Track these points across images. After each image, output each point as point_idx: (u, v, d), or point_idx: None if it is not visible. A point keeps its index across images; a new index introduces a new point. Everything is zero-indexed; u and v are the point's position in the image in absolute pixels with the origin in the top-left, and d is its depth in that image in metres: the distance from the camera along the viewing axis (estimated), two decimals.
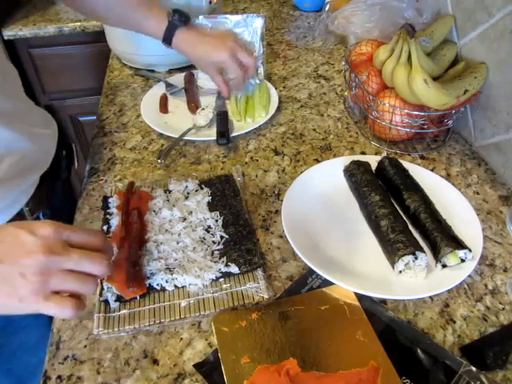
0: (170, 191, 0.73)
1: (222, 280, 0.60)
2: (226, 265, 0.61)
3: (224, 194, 0.72)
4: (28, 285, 0.41)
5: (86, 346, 0.53)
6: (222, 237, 0.65)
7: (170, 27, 0.81)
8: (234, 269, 0.60)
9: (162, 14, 0.81)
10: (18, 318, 0.45)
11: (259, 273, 0.61)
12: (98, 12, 0.86)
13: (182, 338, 0.54)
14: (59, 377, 0.51)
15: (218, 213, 0.69)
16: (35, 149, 0.69)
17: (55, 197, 0.79)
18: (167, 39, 0.82)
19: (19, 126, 0.65)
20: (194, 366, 0.51)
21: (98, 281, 0.57)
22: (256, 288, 0.59)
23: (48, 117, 0.79)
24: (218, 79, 0.86)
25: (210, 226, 0.67)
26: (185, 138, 0.86)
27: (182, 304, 0.57)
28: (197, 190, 0.73)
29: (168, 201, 0.71)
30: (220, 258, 0.62)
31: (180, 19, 0.81)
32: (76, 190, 0.91)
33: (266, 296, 0.58)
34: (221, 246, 0.63)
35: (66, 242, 0.44)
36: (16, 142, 0.65)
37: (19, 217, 0.67)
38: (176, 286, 0.59)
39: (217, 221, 0.67)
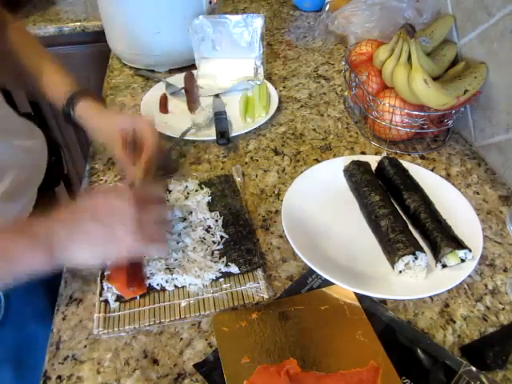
0: (170, 191, 0.73)
1: (221, 280, 0.60)
2: (226, 265, 0.61)
3: (224, 194, 0.72)
4: (128, 227, 0.51)
5: (85, 346, 0.53)
6: (222, 237, 0.65)
7: (78, 92, 0.74)
8: (234, 269, 0.60)
9: (72, 83, 0.76)
10: (38, 332, 0.47)
11: (259, 273, 0.61)
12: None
13: (182, 338, 0.54)
14: (59, 377, 0.51)
15: (217, 213, 0.69)
16: (29, 162, 0.69)
17: (51, 205, 0.79)
18: (70, 104, 0.73)
19: (12, 141, 0.66)
20: (194, 366, 0.51)
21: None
22: (256, 288, 0.59)
23: (31, 125, 0.78)
24: (122, 151, 0.70)
25: (210, 226, 0.67)
26: (185, 137, 0.86)
27: (182, 304, 0.57)
28: (197, 190, 0.73)
29: (168, 201, 0.71)
30: (220, 258, 0.62)
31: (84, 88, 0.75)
32: (75, 195, 0.91)
33: (266, 296, 0.58)
34: (221, 246, 0.63)
35: (143, 201, 0.53)
36: (13, 157, 0.65)
37: None
38: (176, 286, 0.59)
39: (217, 221, 0.67)
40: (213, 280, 0.59)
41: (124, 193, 0.54)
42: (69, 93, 0.74)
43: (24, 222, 0.56)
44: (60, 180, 0.86)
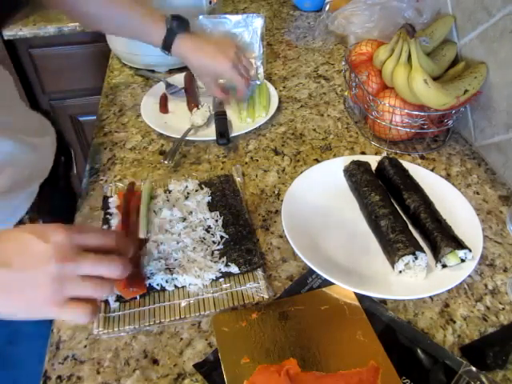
0: (170, 191, 0.73)
1: (221, 280, 0.60)
2: (226, 265, 0.61)
3: (224, 194, 0.72)
4: (42, 293, 0.41)
5: (85, 346, 0.53)
6: (222, 237, 0.65)
7: (169, 34, 0.80)
8: (233, 269, 0.60)
9: (160, 21, 0.80)
10: (24, 327, 0.45)
11: (259, 273, 0.61)
12: (92, 17, 0.82)
13: (182, 338, 0.54)
14: (59, 377, 0.51)
15: (218, 213, 0.69)
16: (34, 159, 0.69)
17: (55, 204, 0.79)
18: (166, 46, 0.82)
19: (18, 137, 0.65)
20: (194, 366, 0.51)
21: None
22: (256, 288, 0.59)
23: (45, 123, 0.78)
24: (216, 89, 0.86)
25: (210, 226, 0.67)
26: (185, 137, 0.86)
27: (182, 304, 0.57)
28: (197, 190, 0.73)
29: (168, 201, 0.71)
30: (220, 258, 0.62)
31: (179, 25, 0.81)
32: (75, 196, 0.91)
33: (266, 296, 0.58)
34: (221, 246, 0.63)
35: (79, 247, 0.42)
36: (15, 154, 0.64)
37: (20, 225, 0.66)
38: (176, 286, 0.59)
39: (217, 221, 0.67)
40: (213, 280, 0.59)
41: (55, 232, 0.42)
42: (159, 39, 0.81)
43: None
44: (67, 181, 0.85)
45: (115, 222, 0.67)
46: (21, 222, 0.67)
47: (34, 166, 0.69)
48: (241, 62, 0.85)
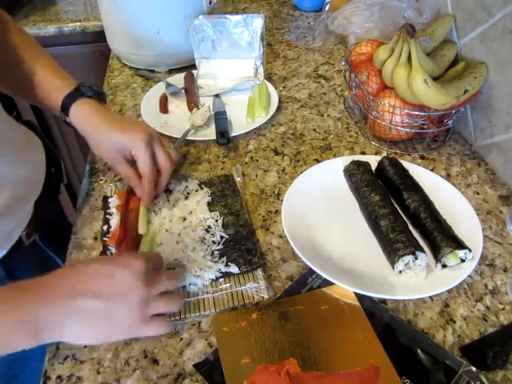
0: (170, 191, 0.73)
1: (221, 280, 0.60)
2: (226, 265, 0.61)
3: (224, 194, 0.72)
4: (132, 316, 0.47)
5: (85, 346, 0.53)
6: (221, 237, 0.65)
7: (74, 93, 0.67)
8: (233, 269, 0.60)
9: (71, 84, 0.68)
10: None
11: (259, 273, 0.60)
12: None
13: (182, 338, 0.54)
14: (59, 377, 0.51)
15: (217, 213, 0.69)
16: (28, 175, 0.66)
17: (49, 216, 0.77)
18: (65, 107, 0.66)
19: (9, 155, 0.62)
20: (194, 366, 0.51)
21: None
22: (256, 288, 0.59)
23: (30, 136, 0.73)
24: (125, 169, 0.67)
25: (209, 226, 0.67)
26: (185, 137, 0.86)
27: (182, 304, 0.57)
28: (197, 190, 0.73)
29: (168, 201, 0.71)
30: (220, 258, 0.62)
31: (90, 89, 0.68)
32: (65, 207, 0.90)
33: (266, 296, 0.58)
34: (221, 246, 0.63)
35: (153, 270, 0.51)
36: (8, 173, 0.61)
37: (18, 243, 0.66)
38: None
39: (217, 221, 0.67)
40: (213, 280, 0.59)
41: (136, 262, 0.49)
42: (62, 96, 0.66)
43: (10, 296, 0.46)
44: (59, 189, 0.82)
45: (115, 221, 0.67)
46: (19, 240, 0.66)
47: (27, 184, 0.67)
48: (159, 146, 0.67)
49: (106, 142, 0.67)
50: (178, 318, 0.56)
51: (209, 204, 0.70)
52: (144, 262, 0.49)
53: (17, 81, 0.70)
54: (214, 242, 0.64)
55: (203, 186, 0.74)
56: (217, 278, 0.59)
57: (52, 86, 0.68)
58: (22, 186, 0.65)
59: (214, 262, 0.61)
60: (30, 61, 0.68)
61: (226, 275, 0.60)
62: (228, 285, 0.59)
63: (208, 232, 0.66)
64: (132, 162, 0.67)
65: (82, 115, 0.67)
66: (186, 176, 0.77)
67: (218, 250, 0.63)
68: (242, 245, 0.63)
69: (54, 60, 0.72)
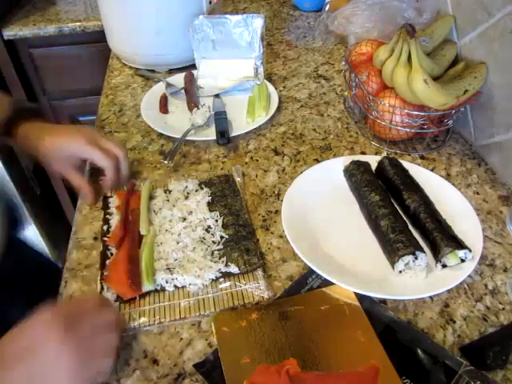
0: (170, 191, 0.73)
1: (221, 280, 0.60)
2: (226, 265, 0.61)
3: (224, 194, 0.72)
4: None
5: None
6: (221, 237, 0.65)
7: (14, 115, 0.67)
8: (233, 269, 0.60)
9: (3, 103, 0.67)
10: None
11: (259, 273, 0.60)
12: None
13: (182, 338, 0.54)
14: None
15: (217, 213, 0.69)
16: None
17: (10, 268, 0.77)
18: (7, 130, 0.67)
19: None
20: (194, 366, 0.51)
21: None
22: (256, 288, 0.59)
23: None
24: (76, 177, 0.68)
25: (209, 226, 0.67)
26: (185, 137, 0.86)
27: (182, 304, 0.57)
28: (197, 190, 0.73)
29: (168, 201, 0.71)
30: (220, 258, 0.62)
31: (26, 106, 0.68)
32: (65, 207, 0.88)
33: (266, 296, 0.58)
34: (221, 246, 0.63)
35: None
36: None
37: None
38: (176, 286, 0.59)
39: (217, 221, 0.67)
40: (213, 280, 0.59)
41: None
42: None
43: None
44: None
45: (115, 221, 0.67)
46: None
47: None
48: (102, 140, 0.68)
49: (53, 153, 0.67)
50: (178, 318, 0.56)
51: (209, 204, 0.70)
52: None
53: None
54: (213, 242, 0.64)
55: (203, 186, 0.74)
56: (217, 278, 0.59)
57: None
58: None
59: (214, 262, 0.61)
60: None
61: (226, 275, 0.60)
62: (228, 285, 0.59)
63: (208, 232, 0.66)
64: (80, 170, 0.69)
65: (24, 137, 0.68)
66: (186, 176, 0.77)
67: (217, 249, 0.63)
68: (242, 245, 0.63)
69: None
